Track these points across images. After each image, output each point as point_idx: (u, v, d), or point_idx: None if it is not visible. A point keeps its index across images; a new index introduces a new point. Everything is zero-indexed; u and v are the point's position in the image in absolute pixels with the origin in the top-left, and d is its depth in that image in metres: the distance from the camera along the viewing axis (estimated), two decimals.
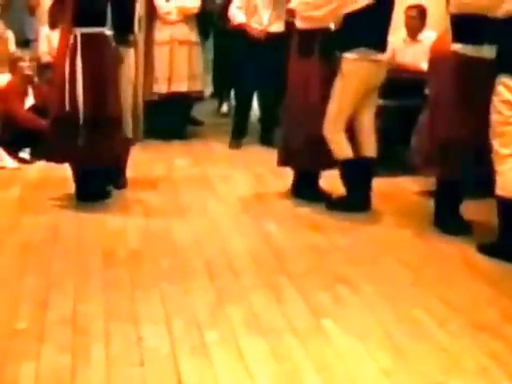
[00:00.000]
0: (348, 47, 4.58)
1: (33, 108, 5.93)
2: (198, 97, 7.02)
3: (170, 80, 6.71)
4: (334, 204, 4.79)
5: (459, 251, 4.13)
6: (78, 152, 4.49)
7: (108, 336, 3.01)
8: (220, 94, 8.23)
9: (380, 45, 4.64)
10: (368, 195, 4.75)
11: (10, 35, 6.52)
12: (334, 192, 4.96)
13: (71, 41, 4.42)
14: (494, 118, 3.97)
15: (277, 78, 5.65)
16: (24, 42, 6.78)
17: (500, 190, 3.99)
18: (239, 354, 2.91)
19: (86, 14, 4.42)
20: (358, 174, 4.72)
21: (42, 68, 6.59)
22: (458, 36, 4.20)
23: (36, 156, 5.64)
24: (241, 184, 4.99)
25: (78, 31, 4.42)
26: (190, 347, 2.95)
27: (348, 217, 4.65)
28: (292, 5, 4.94)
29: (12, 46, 6.49)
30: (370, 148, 4.81)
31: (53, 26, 6.88)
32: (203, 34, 7.03)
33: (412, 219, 4.59)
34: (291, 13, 5.13)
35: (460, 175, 4.34)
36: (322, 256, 4.02)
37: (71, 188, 4.81)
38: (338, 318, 3.25)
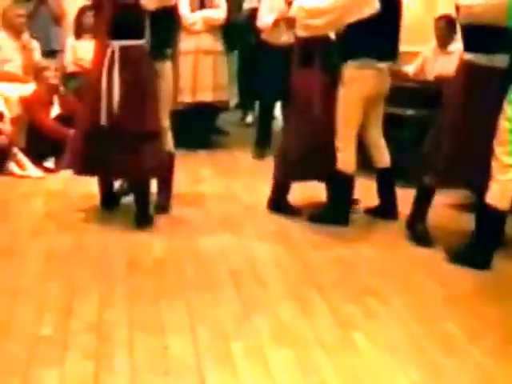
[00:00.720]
0: (350, 56, 4.54)
1: (58, 117, 5.97)
2: (223, 107, 7.04)
3: (194, 90, 6.73)
4: (315, 217, 4.75)
5: (493, 266, 4.05)
6: (113, 165, 4.41)
7: (132, 344, 3.00)
8: (244, 104, 8.25)
9: (383, 54, 4.60)
10: (348, 210, 4.73)
11: (36, 45, 6.58)
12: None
13: (108, 53, 4.32)
14: (504, 125, 3.90)
15: None
16: (49, 52, 6.84)
17: (493, 200, 3.91)
18: (265, 366, 2.88)
19: (124, 27, 4.33)
20: (348, 190, 4.70)
21: (67, 78, 6.66)
22: (470, 45, 4.17)
23: (60, 165, 5.68)
24: (265, 193, 4.97)
25: (116, 44, 4.32)
26: (216, 358, 2.93)
27: (376, 229, 4.63)
28: (291, 12, 4.80)
29: (37, 56, 6.55)
30: (382, 159, 4.81)
31: (78, 36, 6.96)
32: (229, 44, 7.03)
33: (443, 233, 4.53)
34: (291, 22, 4.99)
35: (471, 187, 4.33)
36: (350, 268, 3.99)
37: (96, 197, 4.82)
38: (367, 331, 3.21)
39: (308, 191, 5.18)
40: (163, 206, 4.80)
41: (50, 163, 5.78)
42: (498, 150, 3.92)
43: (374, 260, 4.13)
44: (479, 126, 4.06)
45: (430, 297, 3.64)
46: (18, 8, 6.50)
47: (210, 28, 6.70)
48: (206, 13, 6.66)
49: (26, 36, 6.45)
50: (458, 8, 4.18)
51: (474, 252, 4.02)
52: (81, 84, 6.08)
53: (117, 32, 4.31)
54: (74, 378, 2.73)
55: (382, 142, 4.83)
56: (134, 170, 4.44)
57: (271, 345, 3.05)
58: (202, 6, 6.70)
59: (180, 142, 6.59)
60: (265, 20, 6.42)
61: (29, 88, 6.14)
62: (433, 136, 4.36)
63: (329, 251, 4.23)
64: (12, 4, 6.67)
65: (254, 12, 6.79)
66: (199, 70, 6.71)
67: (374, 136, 4.81)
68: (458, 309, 3.50)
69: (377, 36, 4.44)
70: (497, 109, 3.94)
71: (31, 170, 5.66)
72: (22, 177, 5.59)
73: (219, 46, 6.80)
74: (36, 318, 3.20)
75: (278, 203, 4.92)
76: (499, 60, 4.07)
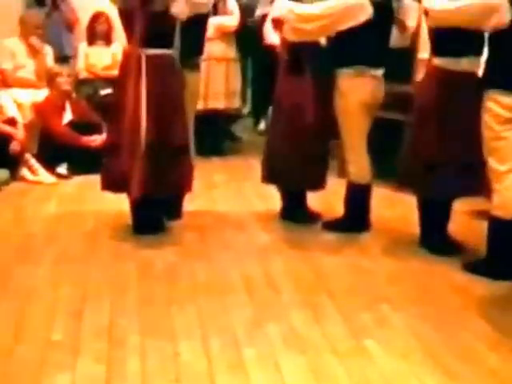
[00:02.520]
0: (345, 63, 4.50)
1: (70, 124, 6.02)
2: (235, 114, 7.07)
3: (206, 97, 6.75)
4: (331, 226, 4.73)
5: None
6: (140, 181, 4.19)
7: (144, 350, 3.02)
8: (257, 111, 8.27)
9: (377, 60, 4.56)
10: (365, 220, 4.73)
11: (49, 51, 6.64)
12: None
13: (136, 62, 4.17)
14: (486, 134, 3.91)
15: None
16: (62, 58, 6.90)
17: (496, 210, 3.90)
18: (278, 373, 2.89)
19: (155, 34, 4.19)
20: (364, 200, 4.68)
21: (80, 84, 6.72)
22: (437, 49, 4.21)
23: (73, 171, 5.74)
24: (278, 200, 4.98)
25: (144, 52, 4.18)
26: (227, 364, 2.94)
27: (391, 237, 4.62)
28: (281, 13, 4.64)
29: (50, 62, 6.60)
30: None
31: (90, 42, 7.03)
32: (243, 51, 7.04)
33: (461, 240, 4.51)
34: (277, 23, 4.83)
35: (447, 195, 4.31)
36: (363, 275, 3.99)
37: (108, 203, 4.85)
38: (380, 339, 3.21)
39: (325, 198, 5.18)
40: (177, 214, 4.78)
41: (62, 169, 5.83)
42: (489, 159, 3.93)
43: (389, 268, 4.12)
44: (456, 130, 4.13)
45: (445, 305, 3.63)
46: (36, 16, 6.55)
47: (223, 35, 6.73)
48: (219, 20, 6.69)
49: (35, 41, 6.49)
50: (426, 12, 4.20)
51: (490, 263, 4.00)
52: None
53: (148, 40, 4.17)
54: (85, 383, 2.75)
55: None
56: (169, 188, 4.34)
57: (283, 352, 3.06)
58: (215, 12, 6.72)
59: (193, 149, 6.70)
60: (271, 39, 6.43)
61: (41, 94, 6.20)
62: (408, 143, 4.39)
63: (343, 258, 4.24)
64: (28, 10, 6.74)
65: (266, 18, 6.82)
66: (211, 78, 6.74)
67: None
68: (474, 317, 3.48)
69: (371, 43, 4.41)
70: (472, 113, 3.97)
71: (43, 175, 5.71)
72: (34, 182, 5.64)
73: (232, 52, 6.83)
74: (47, 323, 3.23)
75: (291, 211, 4.90)
76: (469, 64, 4.16)
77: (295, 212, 4.89)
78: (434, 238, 4.40)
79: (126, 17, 4.27)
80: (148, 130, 4.17)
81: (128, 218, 4.52)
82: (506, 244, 3.93)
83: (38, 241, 4.34)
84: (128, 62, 4.26)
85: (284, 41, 4.71)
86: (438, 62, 4.21)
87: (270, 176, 4.85)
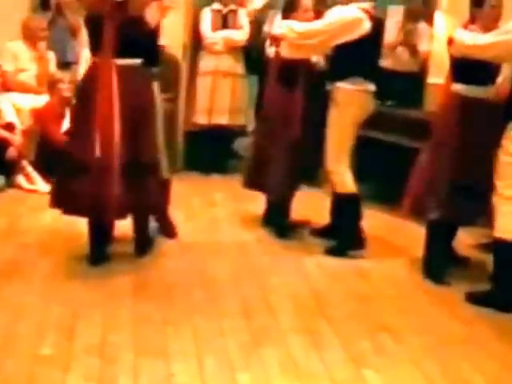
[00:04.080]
0: (341, 77, 4.65)
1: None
2: (240, 131, 7.09)
3: (210, 112, 6.79)
4: (333, 250, 4.76)
5: None
6: (110, 203, 3.96)
7: (136, 369, 3.03)
8: None
9: (371, 74, 4.72)
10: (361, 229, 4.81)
11: (51, 56, 6.68)
12: None
13: (106, 74, 3.95)
14: (504, 159, 4.04)
15: None
16: (65, 64, 6.93)
17: (500, 232, 4.02)
18: None
19: (128, 43, 3.98)
20: (357, 209, 4.78)
21: None
22: (460, 77, 4.35)
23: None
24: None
25: (115, 63, 3.98)
26: None
27: (395, 265, 4.64)
28: (280, 31, 4.83)
29: (52, 67, 6.65)
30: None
31: None
32: (250, 67, 7.06)
33: (466, 272, 4.54)
34: (275, 40, 4.98)
35: (460, 220, 4.43)
36: (365, 303, 4.00)
37: None
38: (379, 369, 3.22)
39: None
40: (173, 234, 4.79)
41: None
42: (499, 184, 4.05)
43: (391, 295, 4.14)
44: (473, 157, 4.27)
45: (446, 337, 3.64)
46: (40, 20, 6.60)
47: (231, 49, 6.78)
48: (228, 33, 6.75)
49: (42, 45, 6.54)
50: (450, 41, 4.33)
51: (494, 293, 4.05)
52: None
53: (118, 50, 3.96)
54: None
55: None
56: (135, 208, 4.17)
57: (279, 378, 3.07)
58: (225, 25, 6.80)
59: (195, 165, 6.74)
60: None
61: (41, 100, 6.24)
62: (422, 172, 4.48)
63: (344, 284, 4.26)
64: (32, 14, 6.79)
65: None
66: (217, 92, 6.78)
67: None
68: (476, 350, 3.50)
69: (366, 57, 4.59)
70: (492, 142, 4.10)
71: (39, 184, 5.73)
72: (29, 191, 5.67)
73: (239, 68, 6.86)
74: (38, 338, 3.24)
75: (274, 218, 5.06)
76: (488, 92, 4.31)
77: (277, 220, 5.06)
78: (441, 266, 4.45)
79: (94, 24, 4.02)
80: (122, 147, 3.96)
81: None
82: (504, 265, 4.03)
83: (32, 252, 4.35)
84: (96, 74, 4.01)
85: (278, 55, 4.90)
86: (459, 88, 4.35)
87: (252, 182, 5.06)
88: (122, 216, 4.17)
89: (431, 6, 6.34)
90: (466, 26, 4.35)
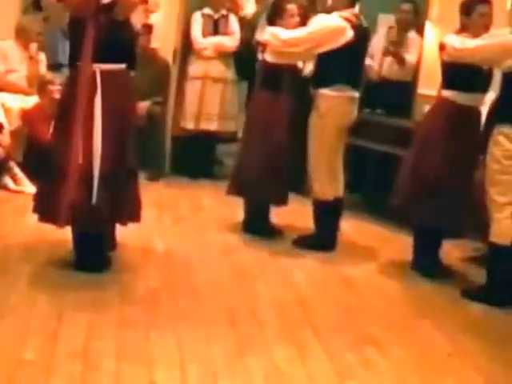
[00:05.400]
0: (325, 83, 4.71)
1: None
2: (230, 137, 7.07)
3: (198, 117, 6.76)
4: (301, 242, 4.90)
5: (502, 322, 4.07)
6: (93, 212, 3.88)
7: (119, 376, 2.99)
8: None
9: (355, 82, 4.78)
10: (336, 234, 4.92)
11: (42, 57, 6.65)
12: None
13: (89, 79, 3.83)
14: (493, 167, 4.16)
15: None
16: (56, 66, 6.90)
17: (495, 237, 4.17)
18: None
19: (112, 47, 3.89)
20: (334, 215, 4.87)
21: None
22: (450, 83, 4.44)
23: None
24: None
25: (99, 68, 3.87)
26: None
27: (382, 275, 4.63)
28: (264, 37, 4.95)
29: (43, 69, 6.61)
30: (340, 188, 4.94)
31: None
32: (240, 73, 7.03)
33: (454, 285, 4.52)
34: (261, 46, 5.11)
35: (443, 222, 4.50)
36: (351, 313, 3.98)
37: None
38: (364, 382, 3.20)
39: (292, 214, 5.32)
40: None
41: None
42: (491, 190, 4.18)
43: (377, 306, 4.13)
44: (457, 164, 4.40)
45: (433, 350, 3.63)
46: (36, 23, 6.56)
47: (221, 55, 6.76)
48: (219, 39, 6.73)
49: (33, 46, 6.51)
50: (442, 47, 4.41)
51: (488, 290, 4.22)
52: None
53: (102, 55, 3.85)
54: None
55: (341, 172, 4.93)
56: (116, 219, 4.06)
57: None
58: (216, 31, 6.78)
59: (182, 170, 6.72)
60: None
61: (31, 100, 6.19)
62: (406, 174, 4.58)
63: (331, 294, 4.24)
64: (27, 16, 6.75)
65: None
66: (206, 97, 6.75)
67: (335, 167, 4.91)
68: (461, 364, 3.48)
69: (350, 64, 4.67)
70: (478, 148, 4.31)
71: (26, 185, 5.68)
72: (16, 192, 5.62)
73: (230, 74, 6.84)
74: (20, 341, 3.18)
75: (254, 224, 5.08)
76: (475, 99, 4.45)
77: (257, 225, 5.10)
78: (426, 262, 4.60)
79: (78, 27, 3.86)
80: (103, 155, 3.85)
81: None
82: (505, 270, 4.16)
83: (16, 254, 4.30)
84: (78, 79, 3.88)
85: (263, 61, 4.98)
86: (447, 94, 4.45)
87: (236, 188, 5.09)
88: (102, 227, 4.05)
89: (422, 15, 6.35)
90: (456, 34, 4.41)
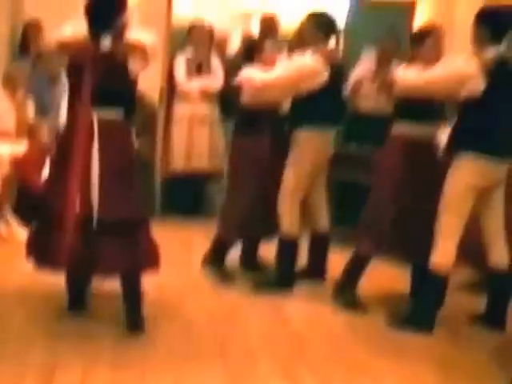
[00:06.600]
0: (302, 123, 4.78)
1: None
2: (217, 175, 7.13)
3: (188, 157, 6.84)
4: (261, 284, 4.89)
5: (494, 351, 4.11)
6: (92, 260, 3.83)
7: None
8: None
9: (331, 119, 4.86)
10: (294, 274, 4.95)
11: (31, 103, 6.71)
12: None
13: (86, 125, 3.81)
14: (449, 192, 4.20)
15: None
16: (44, 111, 6.96)
17: (435, 265, 4.23)
18: None
19: (110, 93, 3.89)
20: (294, 254, 4.91)
21: None
22: (402, 115, 4.50)
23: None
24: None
25: (97, 114, 3.86)
26: None
27: (373, 306, 4.67)
28: (240, 79, 4.94)
29: (31, 114, 6.67)
30: (324, 224, 5.03)
31: None
32: (225, 111, 7.12)
33: (445, 314, 4.55)
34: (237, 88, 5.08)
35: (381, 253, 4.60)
36: (344, 344, 4.03)
37: None
38: None
39: None
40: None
41: None
42: (444, 215, 4.22)
43: (370, 336, 4.18)
44: (418, 194, 4.44)
45: (426, 380, 3.67)
46: (22, 69, 6.63)
47: (206, 96, 6.84)
48: (203, 82, 6.82)
49: (21, 93, 6.56)
50: (393, 81, 4.44)
51: (419, 314, 4.27)
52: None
53: (100, 100, 3.84)
54: None
55: (324, 207, 5.03)
56: (126, 266, 3.95)
57: None
58: (199, 71, 6.88)
59: (173, 209, 6.77)
60: None
61: (21, 147, 6.24)
62: (370, 204, 4.62)
63: (323, 327, 4.29)
64: (14, 63, 6.83)
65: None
66: (194, 138, 6.83)
67: (317, 200, 5.02)
68: None
69: (325, 103, 4.72)
70: (434, 177, 4.33)
71: (19, 232, 5.72)
72: (7, 238, 5.65)
73: (215, 113, 6.92)
74: None
75: (215, 259, 5.12)
76: (426, 130, 4.49)
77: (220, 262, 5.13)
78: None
79: (76, 73, 3.88)
80: (100, 205, 3.79)
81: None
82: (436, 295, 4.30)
83: (12, 298, 4.34)
84: (75, 125, 3.86)
85: (241, 102, 5.02)
86: (402, 128, 4.50)
87: (226, 229, 5.09)
88: (106, 274, 4.03)
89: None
90: (407, 64, 4.48)
